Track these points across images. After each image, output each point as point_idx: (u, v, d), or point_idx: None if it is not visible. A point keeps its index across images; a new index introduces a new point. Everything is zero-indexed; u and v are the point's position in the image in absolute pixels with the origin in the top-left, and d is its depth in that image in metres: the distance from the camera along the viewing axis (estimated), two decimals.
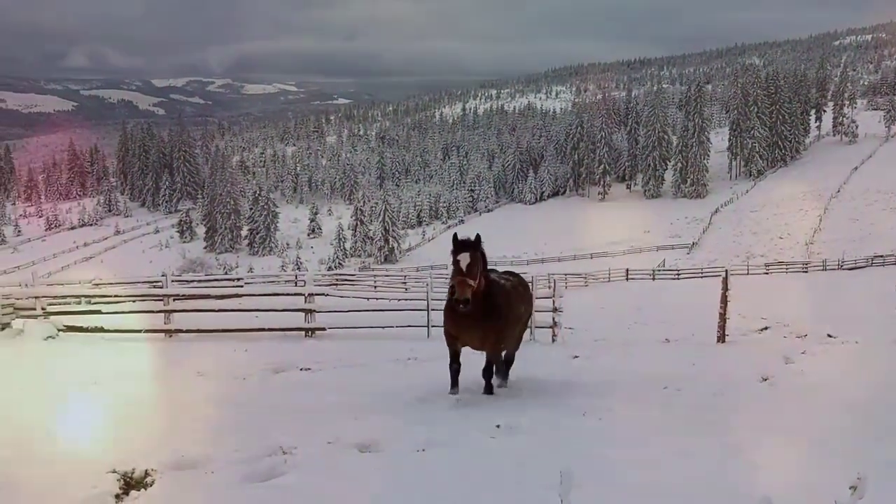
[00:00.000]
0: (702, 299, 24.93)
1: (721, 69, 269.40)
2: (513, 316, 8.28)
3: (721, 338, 14.69)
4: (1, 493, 4.55)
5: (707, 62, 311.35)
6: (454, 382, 8.19)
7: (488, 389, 8.28)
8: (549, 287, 20.18)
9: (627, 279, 55.70)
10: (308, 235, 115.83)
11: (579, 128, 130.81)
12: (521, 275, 9.58)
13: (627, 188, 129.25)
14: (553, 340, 15.49)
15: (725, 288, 14.67)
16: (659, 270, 59.72)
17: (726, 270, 15.94)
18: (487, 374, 8.23)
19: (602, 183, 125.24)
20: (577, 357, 12.18)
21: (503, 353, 8.80)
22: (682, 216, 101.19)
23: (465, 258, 7.38)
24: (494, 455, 5.54)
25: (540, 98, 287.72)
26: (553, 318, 15.79)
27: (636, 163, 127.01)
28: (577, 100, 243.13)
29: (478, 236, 7.68)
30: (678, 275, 56.65)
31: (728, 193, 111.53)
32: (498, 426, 6.42)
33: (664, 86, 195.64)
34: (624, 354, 12.87)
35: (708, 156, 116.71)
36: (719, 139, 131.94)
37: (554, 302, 15.87)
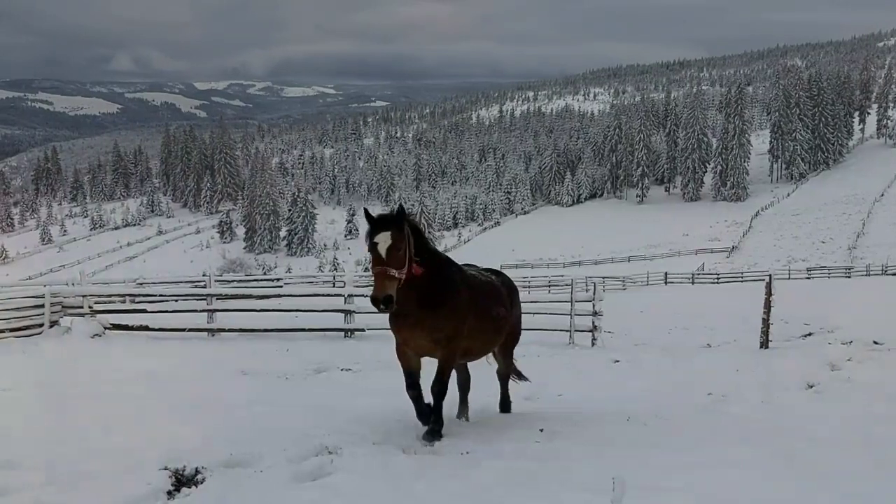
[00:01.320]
0: (743, 304, 24.56)
1: (762, 70, 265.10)
2: (481, 310, 6.35)
3: (764, 343, 14.46)
4: (61, 487, 4.68)
5: (748, 63, 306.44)
6: (420, 410, 6.19)
7: (428, 424, 6.11)
8: (588, 290, 20.09)
9: (666, 283, 55.05)
10: (345, 236, 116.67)
11: (617, 130, 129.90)
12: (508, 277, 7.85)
13: (666, 191, 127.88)
14: (593, 344, 15.41)
15: (769, 293, 14.45)
16: (698, 274, 58.94)
17: (770, 275, 15.68)
18: (436, 389, 6.10)
19: (640, 185, 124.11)
20: (617, 361, 12.12)
21: (503, 370, 7.43)
22: (721, 219, 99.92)
23: (383, 240, 5.47)
24: (538, 459, 5.53)
25: (578, 100, 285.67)
26: (592, 322, 15.70)
27: (675, 165, 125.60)
28: (615, 101, 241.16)
29: (400, 208, 5.76)
30: (718, 279, 55.88)
31: (769, 196, 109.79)
32: (542, 430, 6.41)
33: (704, 87, 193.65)
34: (665, 359, 12.75)
35: (748, 158, 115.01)
36: (760, 141, 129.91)
37: (594, 305, 15.77)
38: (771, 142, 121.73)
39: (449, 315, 5.98)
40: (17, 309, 15.87)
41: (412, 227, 5.78)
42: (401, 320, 6.01)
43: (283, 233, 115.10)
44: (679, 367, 11.74)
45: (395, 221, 5.58)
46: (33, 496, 4.55)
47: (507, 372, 7.54)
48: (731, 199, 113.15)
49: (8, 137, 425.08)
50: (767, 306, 14.47)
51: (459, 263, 6.73)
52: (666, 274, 57.11)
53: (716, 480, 4.98)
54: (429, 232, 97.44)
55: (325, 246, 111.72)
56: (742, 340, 16.02)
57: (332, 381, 9.98)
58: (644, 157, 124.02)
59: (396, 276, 5.44)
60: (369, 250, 5.55)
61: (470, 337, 6.26)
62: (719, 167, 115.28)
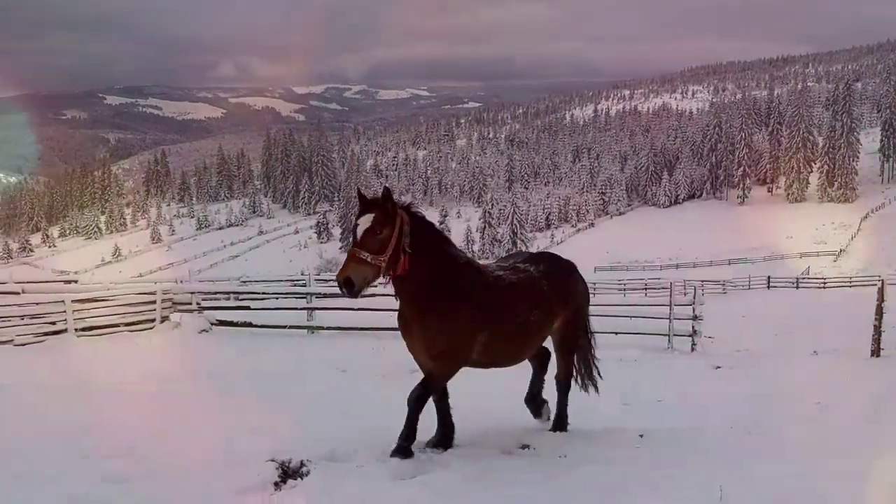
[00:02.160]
0: (851, 309, 23.46)
1: (872, 66, 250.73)
2: (501, 318, 5.66)
3: (876, 351, 13.75)
4: (175, 476, 4.94)
5: (856, 59, 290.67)
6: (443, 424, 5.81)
7: (398, 448, 5.46)
8: (687, 294, 19.57)
9: (769, 287, 53.03)
10: None
11: (717, 128, 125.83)
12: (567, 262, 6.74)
13: (769, 191, 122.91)
14: (692, 349, 15.03)
15: (881, 298, 13.73)
16: (803, 278, 56.50)
17: (882, 280, 14.89)
18: (413, 394, 5.51)
19: (741, 186, 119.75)
20: (719, 367, 11.78)
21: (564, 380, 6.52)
22: (828, 221, 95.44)
23: (364, 222, 5.12)
24: (637, 465, 5.45)
25: (675, 98, 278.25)
26: (692, 326, 15.30)
27: (778, 165, 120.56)
28: (714, 99, 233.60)
29: (385, 190, 5.25)
30: (824, 283, 53.45)
31: (880, 198, 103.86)
32: (641, 435, 6.32)
33: (809, 84, 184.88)
34: (769, 366, 12.31)
35: (857, 158, 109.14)
36: (870, 140, 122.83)
37: (694, 309, 15.36)
38: (882, 140, 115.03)
39: (445, 328, 5.36)
40: (131, 305, 16.81)
41: (412, 217, 5.38)
42: (400, 321, 5.68)
43: None
44: (783, 374, 11.31)
45: (381, 205, 5.18)
46: (150, 484, 4.82)
47: (568, 376, 6.57)
48: (838, 200, 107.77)
49: (121, 141, 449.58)
50: (879, 312, 13.77)
51: (504, 255, 6.24)
52: (769, 278, 55.04)
53: (818, 493, 4.79)
54: (521, 233, 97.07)
55: None
56: (851, 348, 15.27)
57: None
58: (745, 157, 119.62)
59: (369, 261, 5.01)
60: (351, 230, 5.26)
61: (487, 351, 5.64)
62: (826, 167, 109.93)
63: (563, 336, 6.40)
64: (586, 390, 6.73)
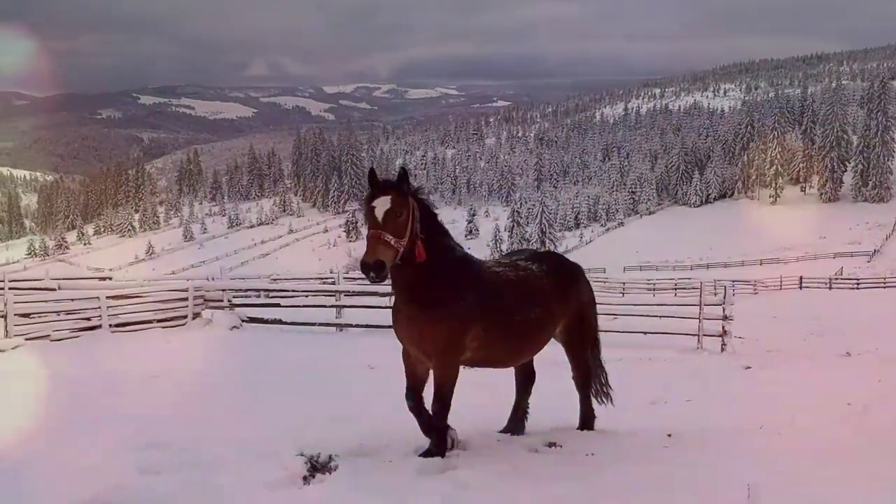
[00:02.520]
0: (885, 311, 23.10)
1: None
2: (499, 315, 5.47)
3: None
4: (206, 470, 5.04)
5: (892, 56, 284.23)
6: (425, 426, 5.55)
7: (428, 451, 5.41)
8: (717, 294, 19.40)
9: (801, 287, 52.29)
10: (465, 236, 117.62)
11: (749, 127, 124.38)
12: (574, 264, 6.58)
13: (801, 191, 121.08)
14: (722, 349, 14.91)
15: None
16: (836, 279, 55.58)
17: None
18: (434, 407, 5.45)
19: (773, 185, 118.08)
20: (749, 367, 11.67)
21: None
22: (862, 221, 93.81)
23: (382, 204, 4.95)
24: (667, 464, 5.44)
25: (707, 96, 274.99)
26: (722, 326, 15.18)
27: (811, 164, 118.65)
28: (746, 98, 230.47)
29: (402, 170, 5.16)
30: (858, 284, 52.52)
31: None
32: (669, 435, 6.29)
33: (843, 82, 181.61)
34: (800, 367, 12.17)
35: (893, 157, 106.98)
36: None
37: (724, 309, 15.23)
38: None
39: (443, 323, 5.17)
40: (164, 301, 17.11)
41: (420, 203, 5.21)
42: (395, 313, 5.46)
43: None
44: (815, 375, 11.17)
45: (398, 187, 5.03)
46: (184, 475, 4.92)
47: (582, 375, 6.41)
48: (872, 199, 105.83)
49: (155, 141, 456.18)
50: None
51: (510, 251, 6.09)
52: (801, 278, 54.27)
53: (849, 494, 4.74)
54: (550, 232, 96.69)
55: None
56: (885, 349, 15.05)
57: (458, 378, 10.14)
58: (778, 156, 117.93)
59: (393, 244, 4.84)
60: (365, 214, 5.04)
61: (484, 347, 5.45)
62: (860, 166, 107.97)
63: (568, 340, 6.26)
64: (599, 400, 6.57)
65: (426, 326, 5.19)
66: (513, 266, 5.86)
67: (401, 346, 5.61)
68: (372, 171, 5.22)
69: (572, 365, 6.41)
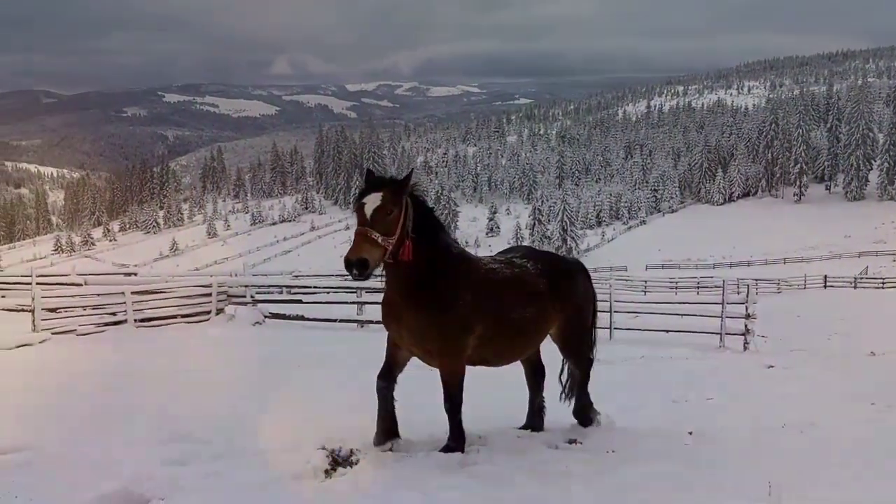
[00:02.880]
0: None
1: None
2: (496, 313, 5.44)
3: None
4: (230, 461, 5.11)
5: None
6: (383, 410, 5.59)
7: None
8: (740, 292, 19.24)
9: (825, 286, 51.65)
10: (486, 234, 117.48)
11: (773, 125, 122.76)
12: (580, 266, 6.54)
13: (826, 189, 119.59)
14: (745, 348, 14.79)
15: None
16: (861, 278, 54.82)
17: None
18: (446, 406, 5.50)
19: (798, 183, 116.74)
20: (771, 367, 11.57)
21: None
22: (888, 220, 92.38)
23: (372, 201, 4.89)
24: (687, 462, 5.42)
25: (730, 94, 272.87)
26: (745, 325, 15.05)
27: (836, 162, 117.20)
28: (771, 95, 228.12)
29: (410, 172, 5.23)
30: (883, 283, 51.75)
31: None
32: (690, 433, 6.27)
33: (870, 80, 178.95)
34: (824, 366, 12.04)
35: None
36: None
37: (746, 308, 15.11)
38: None
39: (447, 325, 5.15)
40: (188, 297, 17.28)
41: (415, 201, 5.15)
42: (385, 309, 5.43)
43: None
44: (838, 374, 11.06)
45: (392, 185, 4.97)
46: (208, 468, 5.00)
47: (585, 371, 6.37)
48: None
49: (179, 138, 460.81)
50: None
51: (506, 248, 6.00)
52: (825, 277, 53.61)
53: (872, 494, 4.70)
54: (571, 230, 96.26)
55: (466, 243, 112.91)
56: None
57: (476, 375, 10.12)
58: (802, 154, 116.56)
59: (380, 242, 4.78)
60: (355, 210, 4.98)
61: (480, 346, 5.42)
62: (886, 164, 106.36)
63: (563, 339, 6.17)
64: (562, 397, 6.48)
65: (430, 328, 5.14)
66: (508, 264, 5.81)
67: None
68: (369, 171, 5.21)
69: (571, 362, 6.36)
